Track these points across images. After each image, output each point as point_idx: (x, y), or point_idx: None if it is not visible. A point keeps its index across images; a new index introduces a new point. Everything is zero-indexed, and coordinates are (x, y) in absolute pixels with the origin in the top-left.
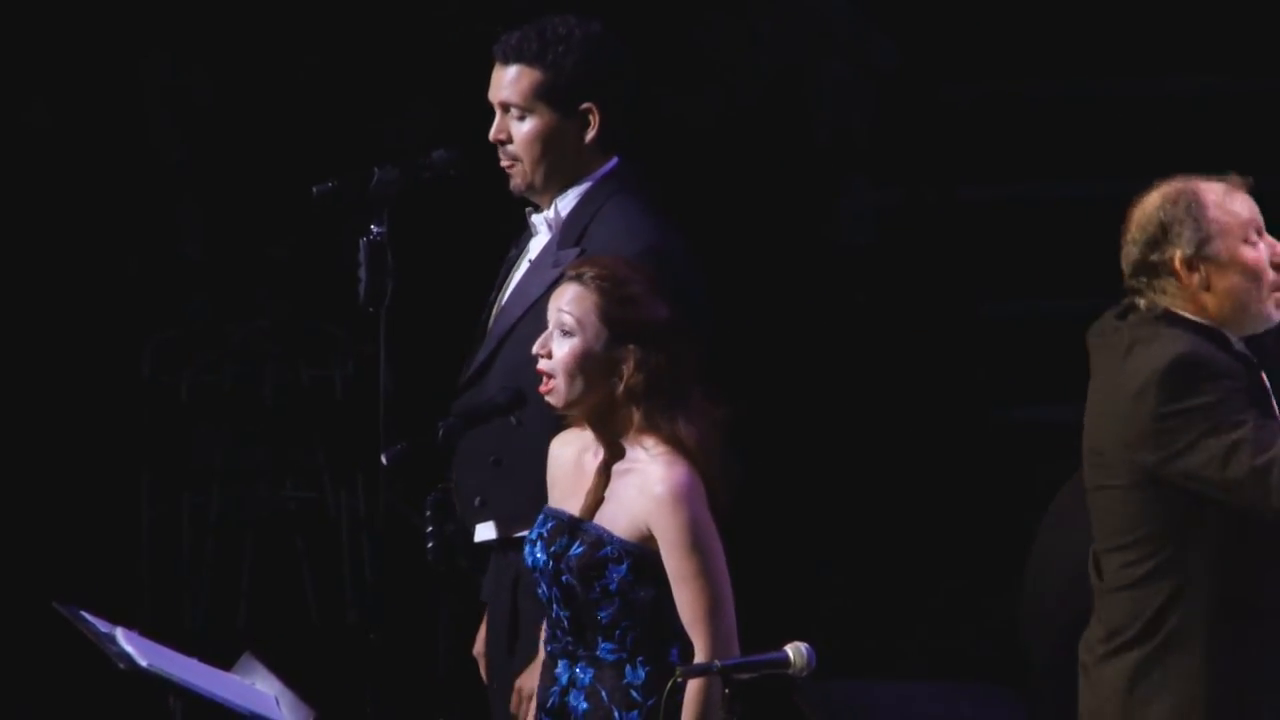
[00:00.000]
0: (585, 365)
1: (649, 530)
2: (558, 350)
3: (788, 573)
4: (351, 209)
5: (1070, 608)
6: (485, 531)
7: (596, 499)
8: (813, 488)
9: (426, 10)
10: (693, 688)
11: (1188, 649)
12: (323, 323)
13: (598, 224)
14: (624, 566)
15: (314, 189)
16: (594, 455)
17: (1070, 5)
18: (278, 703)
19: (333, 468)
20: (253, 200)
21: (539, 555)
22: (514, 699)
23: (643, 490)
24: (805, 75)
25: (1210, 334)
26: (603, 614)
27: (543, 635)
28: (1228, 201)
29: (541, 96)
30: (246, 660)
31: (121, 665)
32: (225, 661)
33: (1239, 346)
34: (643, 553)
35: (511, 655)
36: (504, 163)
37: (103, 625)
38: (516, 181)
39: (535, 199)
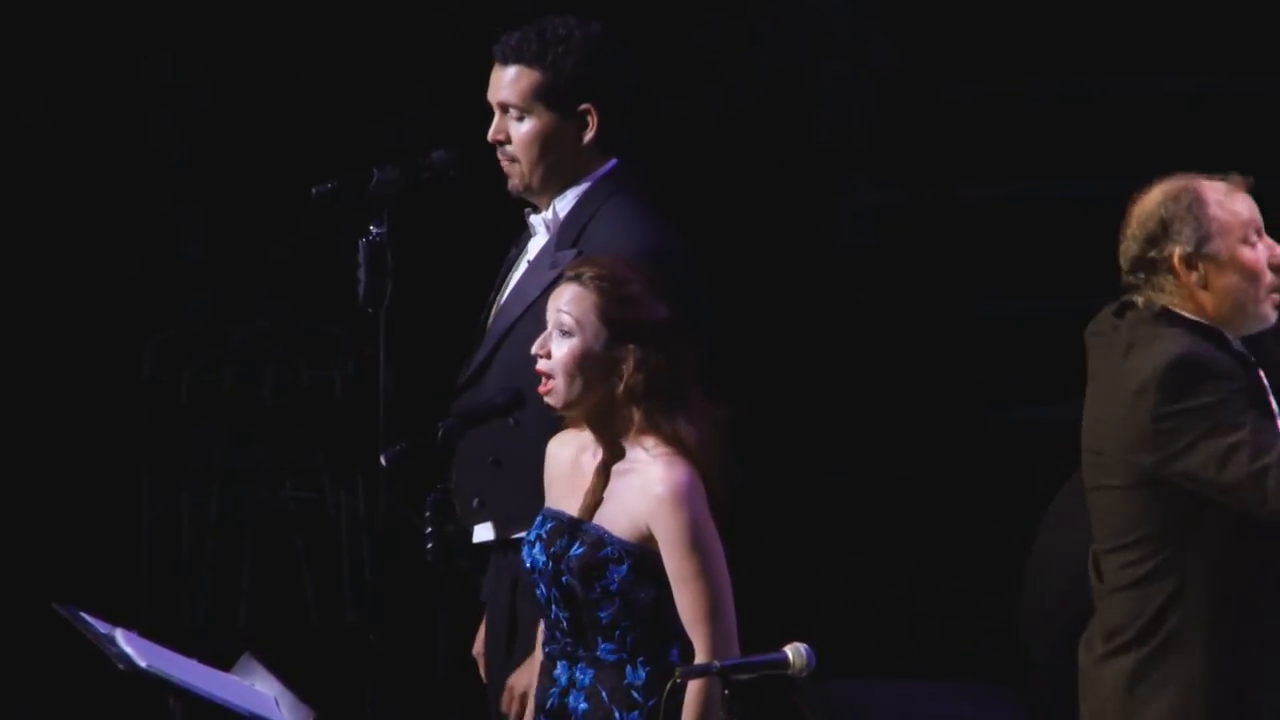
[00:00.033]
0: (585, 365)
1: (649, 530)
2: (557, 350)
3: (788, 573)
4: (351, 209)
5: (1070, 608)
6: (483, 532)
7: (596, 499)
8: (813, 488)
9: (426, 10)
10: (693, 688)
11: (1188, 649)
12: (322, 323)
13: (595, 225)
14: (624, 567)
15: (314, 189)
16: (593, 455)
17: (1070, 5)
18: (277, 703)
19: (332, 468)
20: (253, 200)
21: (538, 556)
22: (505, 697)
23: (643, 490)
24: (805, 75)
25: (1208, 333)
26: (603, 614)
27: (540, 636)
28: (1229, 201)
29: (540, 97)
30: (246, 661)
31: (121, 666)
32: (225, 662)
33: (1237, 345)
34: (643, 553)
35: (510, 656)
36: (502, 163)
37: (102, 626)
38: (515, 182)
39: (534, 200)
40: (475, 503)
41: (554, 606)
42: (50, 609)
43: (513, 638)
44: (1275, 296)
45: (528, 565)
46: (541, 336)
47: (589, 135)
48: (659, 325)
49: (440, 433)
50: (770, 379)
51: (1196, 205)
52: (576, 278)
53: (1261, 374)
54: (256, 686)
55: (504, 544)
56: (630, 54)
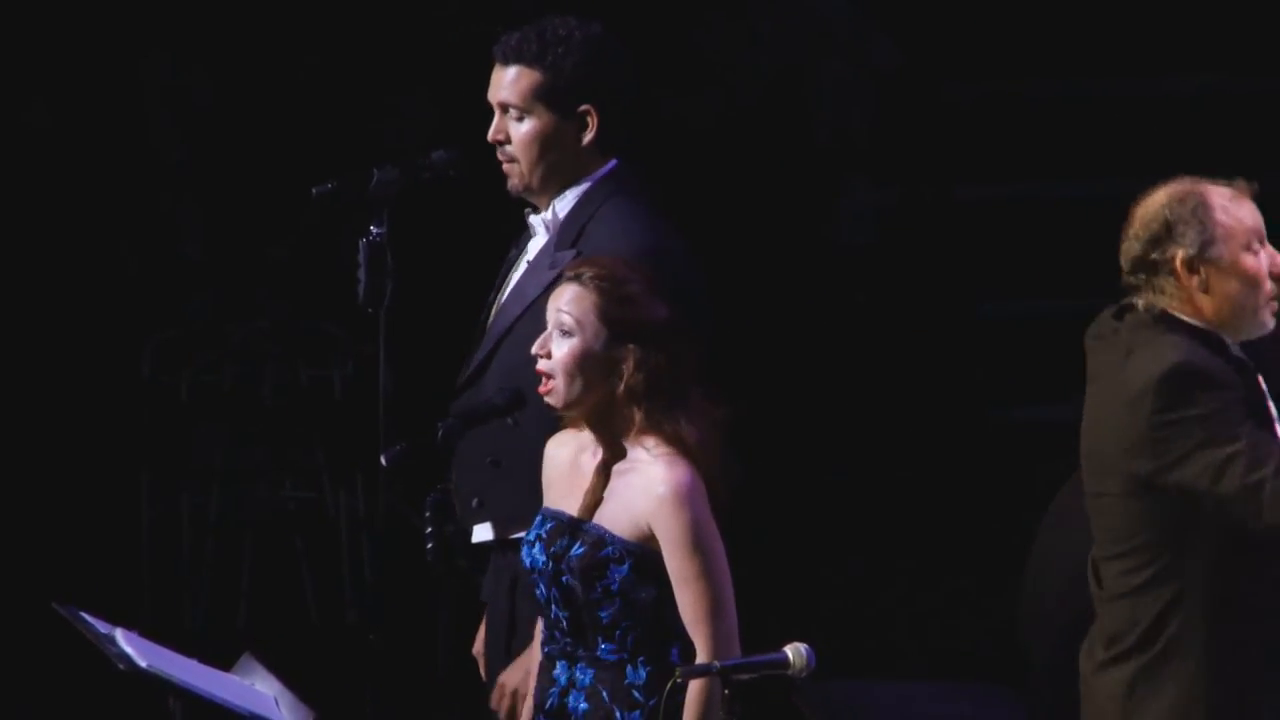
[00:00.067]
0: (585, 365)
1: (650, 530)
2: (557, 350)
3: (788, 573)
4: (351, 209)
5: (1070, 608)
6: (482, 532)
7: (596, 499)
8: (813, 488)
9: (426, 10)
10: (694, 688)
11: (1188, 656)
12: (322, 323)
13: (594, 225)
14: (625, 566)
15: (313, 189)
16: (592, 455)
17: (1070, 5)
18: (277, 703)
19: (332, 468)
20: (253, 200)
21: (538, 556)
22: (496, 694)
23: (645, 490)
24: (805, 75)
25: (1207, 338)
26: (604, 614)
27: (538, 636)
28: (1234, 207)
29: (540, 97)
30: (246, 661)
31: (121, 666)
32: (225, 662)
33: (1235, 351)
34: (644, 552)
35: (509, 656)
36: (502, 163)
37: (102, 626)
38: (514, 182)
39: (533, 200)
40: (474, 503)
41: (554, 606)
42: (50, 609)
43: (512, 637)
44: (1274, 304)
45: (527, 565)
46: (542, 336)
47: (588, 136)
48: (659, 325)
49: (440, 433)
50: (770, 379)
51: (1202, 209)
52: (576, 278)
53: (1260, 380)
54: (256, 686)
55: (503, 544)
56: (630, 55)
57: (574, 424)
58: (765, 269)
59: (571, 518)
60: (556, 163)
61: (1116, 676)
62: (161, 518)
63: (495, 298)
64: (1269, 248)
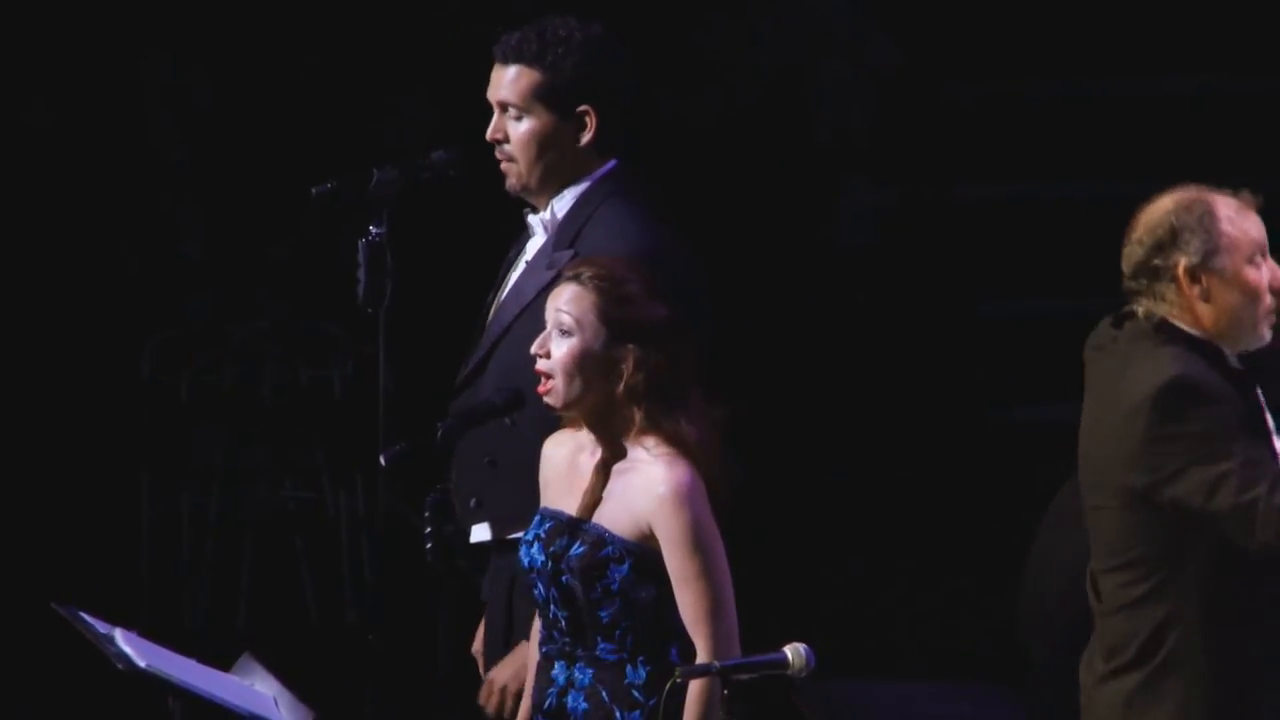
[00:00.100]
0: (584, 365)
1: (650, 530)
2: (556, 350)
3: (788, 573)
4: (351, 209)
5: (1070, 608)
6: (481, 533)
7: (595, 499)
8: (812, 488)
9: (426, 10)
10: (694, 688)
11: (1187, 668)
12: (322, 323)
13: (592, 226)
14: (625, 566)
15: (313, 189)
16: (590, 455)
17: (1070, 5)
18: (276, 703)
19: (332, 468)
20: (253, 200)
21: (537, 556)
22: (484, 690)
23: (645, 490)
24: (805, 75)
25: (1205, 349)
26: (604, 614)
27: (535, 636)
28: (1240, 218)
29: (539, 97)
30: (245, 661)
31: (120, 666)
32: (224, 662)
33: (1233, 361)
34: (644, 552)
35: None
36: (500, 162)
37: (101, 626)
38: (512, 181)
39: (531, 200)
40: (472, 503)
41: (553, 606)
42: (50, 609)
43: (510, 637)
44: (1272, 318)
45: (525, 565)
46: (541, 336)
47: (587, 136)
48: (658, 325)
49: (440, 433)
50: (770, 379)
51: (1208, 218)
52: (575, 277)
53: (1258, 392)
54: (256, 686)
55: (501, 544)
56: (630, 56)
57: (571, 424)
58: (765, 269)
59: (571, 517)
60: (555, 163)
61: (1116, 689)
62: (161, 518)
63: (494, 298)
64: (1270, 262)
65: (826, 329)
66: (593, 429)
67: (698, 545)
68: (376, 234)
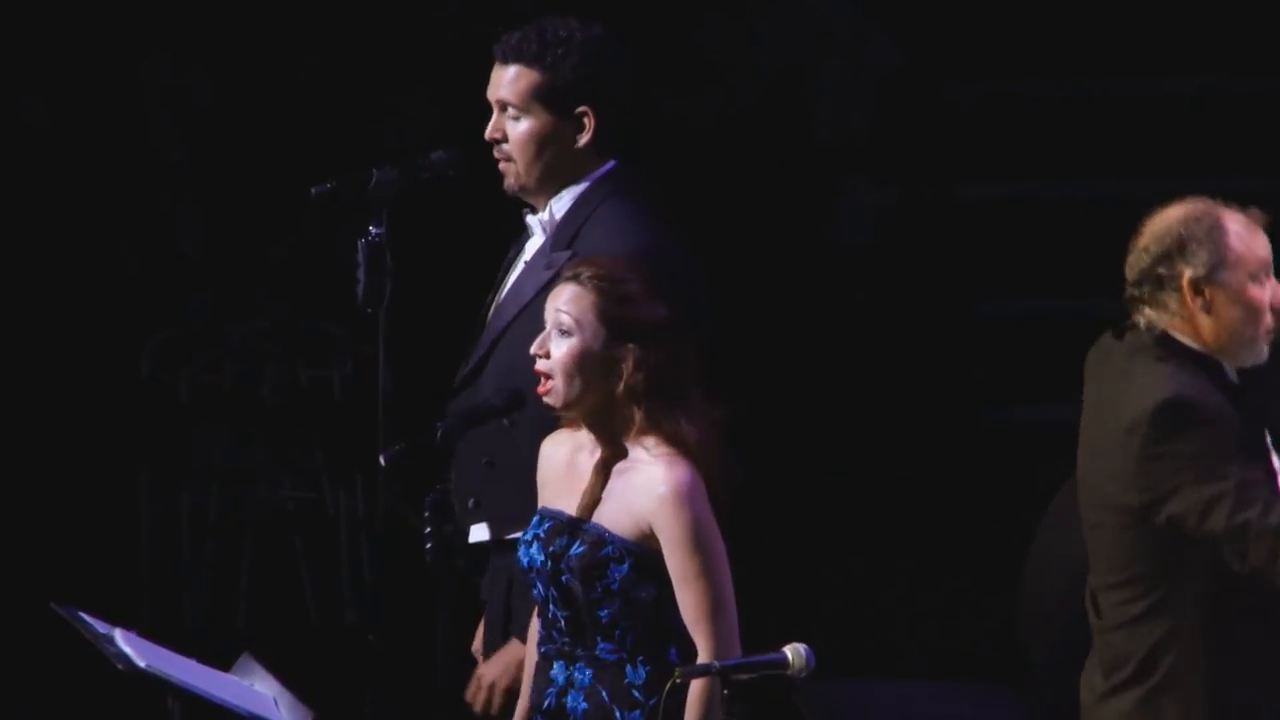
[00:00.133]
0: (584, 365)
1: (650, 529)
2: (556, 350)
3: (788, 573)
4: (351, 209)
5: (1069, 608)
6: (479, 533)
7: (595, 498)
8: (812, 487)
9: (426, 10)
10: (695, 688)
11: (1186, 686)
12: (322, 323)
13: (590, 227)
14: (625, 565)
15: (312, 190)
16: (589, 455)
17: (1070, 5)
18: (276, 703)
19: (331, 468)
20: (253, 200)
21: (536, 555)
22: (472, 687)
23: (646, 490)
24: (805, 75)
25: (1205, 363)
26: (603, 613)
27: (533, 636)
28: (1248, 235)
29: (538, 97)
30: (245, 661)
31: (120, 666)
32: (224, 662)
33: (1232, 376)
34: (644, 551)
35: None
36: (499, 162)
37: (101, 626)
38: (510, 181)
39: (529, 200)
40: (471, 503)
41: (552, 606)
42: (49, 609)
43: (508, 639)
44: (1270, 336)
45: (524, 565)
46: (540, 336)
47: (585, 138)
48: (658, 324)
49: (440, 433)
50: (770, 379)
51: (1217, 231)
52: (575, 277)
53: (1257, 408)
54: (255, 686)
55: (499, 544)
56: (630, 57)
57: (570, 424)
58: (765, 269)
59: (570, 517)
60: (553, 163)
61: (1116, 707)
62: (161, 518)
63: (493, 298)
64: (1274, 281)
65: (826, 329)
66: (592, 429)
67: (698, 545)
68: (376, 234)
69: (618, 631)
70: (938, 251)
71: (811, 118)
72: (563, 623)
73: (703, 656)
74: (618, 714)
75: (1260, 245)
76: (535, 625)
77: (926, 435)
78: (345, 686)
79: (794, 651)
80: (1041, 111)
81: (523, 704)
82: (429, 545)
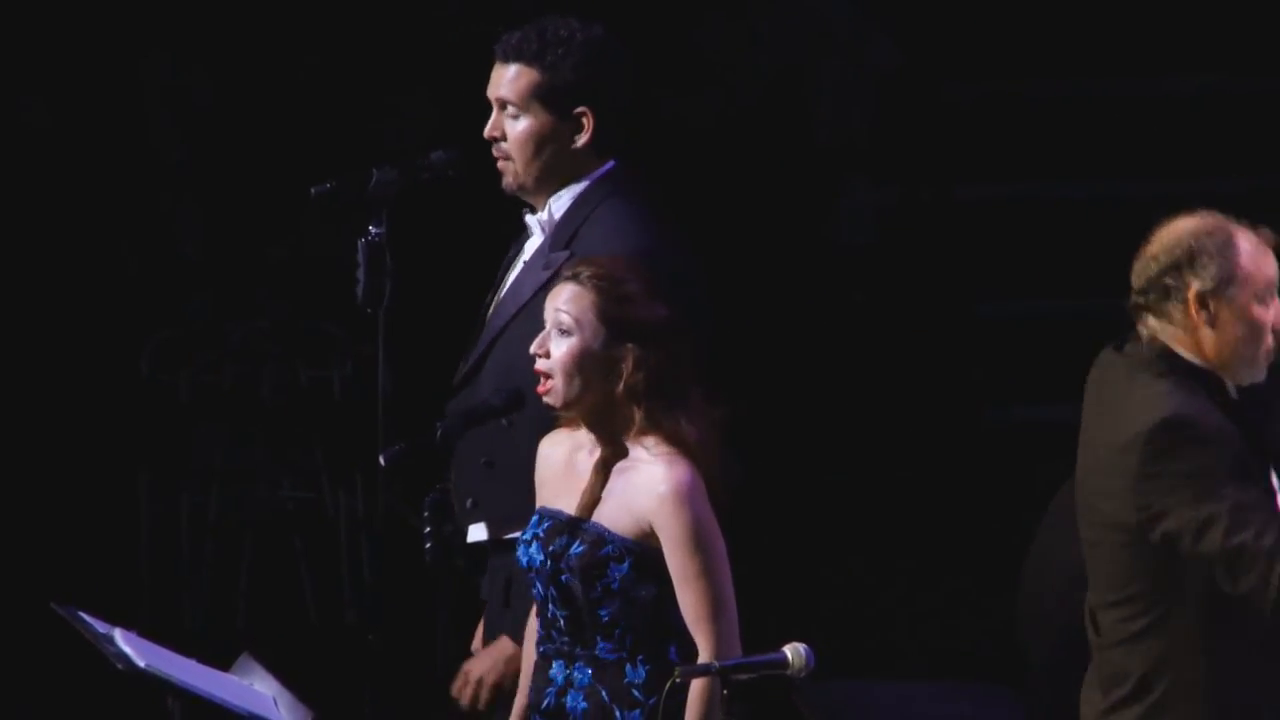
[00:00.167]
0: (584, 364)
1: (651, 529)
2: (555, 350)
3: (788, 573)
4: (350, 209)
5: (1069, 608)
6: (477, 533)
7: (594, 498)
8: (812, 487)
9: (426, 10)
10: (695, 687)
11: (1184, 704)
12: (322, 323)
13: (589, 227)
14: (625, 565)
15: (312, 190)
16: (588, 454)
17: (1070, 5)
18: (275, 703)
19: (331, 468)
20: (253, 200)
21: (535, 555)
22: (459, 681)
23: (646, 489)
24: (805, 75)
25: (1206, 379)
26: (603, 613)
27: (531, 635)
28: (1259, 254)
29: (537, 97)
30: (244, 660)
31: (119, 665)
32: (223, 662)
33: (1232, 393)
34: (644, 550)
35: None
36: (497, 160)
37: (100, 625)
38: (508, 180)
39: (527, 199)
40: (469, 503)
41: (551, 605)
42: (49, 609)
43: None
44: (1270, 358)
45: (524, 564)
46: (540, 336)
47: (583, 138)
48: (658, 324)
49: (439, 433)
50: (770, 379)
51: (1228, 247)
52: (574, 277)
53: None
54: (255, 686)
55: (498, 544)
56: (630, 58)
57: (568, 423)
58: (765, 269)
59: (570, 516)
60: (551, 162)
61: None
62: (161, 518)
63: (492, 298)
64: (1278, 303)
65: (826, 329)
66: (592, 428)
67: (699, 544)
68: (376, 234)
69: (617, 631)
70: (937, 251)
71: (811, 118)
72: (562, 622)
73: (703, 656)
74: (617, 713)
75: (1269, 266)
76: (533, 624)
77: (926, 435)
78: (345, 686)
79: (794, 651)
80: (1041, 111)
81: (520, 701)
82: (429, 545)
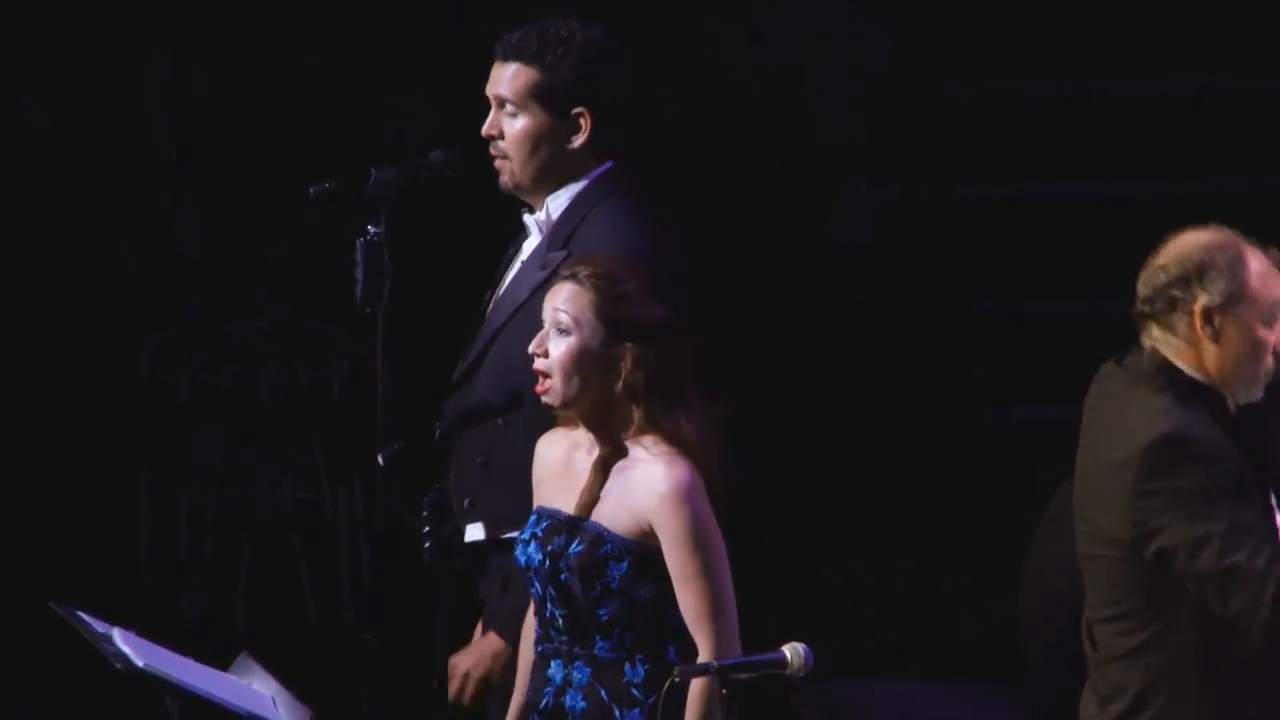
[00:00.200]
0: (582, 363)
1: (650, 528)
2: (554, 349)
3: (788, 573)
4: (350, 209)
5: (1068, 608)
6: (475, 533)
7: (593, 497)
8: (813, 488)
9: (426, 10)
10: (695, 687)
11: (1184, 717)
12: (322, 323)
13: (586, 227)
14: (625, 564)
15: (311, 190)
16: (586, 453)
17: (1070, 5)
18: (274, 703)
19: (330, 468)
20: (252, 200)
21: (534, 554)
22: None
23: (645, 488)
24: (805, 75)
25: (1207, 395)
26: (603, 612)
27: (529, 634)
28: (1268, 275)
29: (535, 96)
30: (243, 660)
31: (118, 665)
32: (222, 661)
33: (1232, 409)
34: (643, 549)
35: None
36: (494, 159)
37: (100, 625)
38: (505, 179)
39: (525, 198)
40: (466, 503)
41: (550, 605)
42: (48, 608)
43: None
44: (1269, 379)
45: (522, 564)
46: (539, 335)
47: (581, 139)
48: (656, 323)
49: (438, 432)
50: (769, 379)
51: (1239, 264)
52: (573, 276)
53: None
54: (254, 686)
55: (495, 544)
56: (630, 59)
57: (565, 422)
58: (765, 269)
59: (569, 516)
60: (547, 162)
61: None
62: (161, 518)
63: (491, 298)
64: None
65: (825, 328)
66: (591, 428)
67: (699, 543)
68: (375, 234)
69: (616, 630)
70: (937, 251)
71: (811, 117)
72: (561, 621)
73: (702, 655)
74: (617, 713)
75: (1277, 288)
76: (531, 624)
77: (926, 435)
78: (344, 686)
79: (793, 651)
80: (1041, 111)
81: (517, 700)
82: (427, 545)
